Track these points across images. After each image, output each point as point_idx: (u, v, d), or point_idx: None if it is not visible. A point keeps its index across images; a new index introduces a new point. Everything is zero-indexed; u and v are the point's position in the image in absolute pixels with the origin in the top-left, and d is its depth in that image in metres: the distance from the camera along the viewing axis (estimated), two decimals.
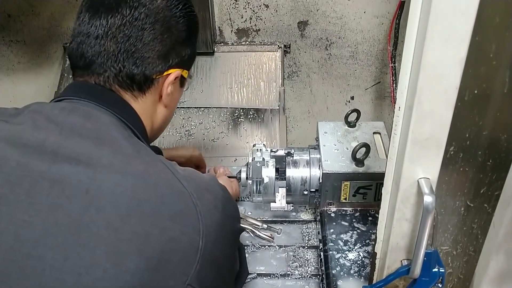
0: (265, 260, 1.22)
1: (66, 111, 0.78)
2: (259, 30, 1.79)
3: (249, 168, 1.18)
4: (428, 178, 0.68)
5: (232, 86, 1.74)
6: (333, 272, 1.03)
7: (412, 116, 0.64)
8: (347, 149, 1.17)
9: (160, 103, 0.90)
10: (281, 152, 1.20)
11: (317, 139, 1.24)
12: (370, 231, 1.12)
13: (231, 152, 1.65)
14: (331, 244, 1.09)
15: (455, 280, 0.84)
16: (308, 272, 1.18)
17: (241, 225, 0.89)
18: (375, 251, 0.81)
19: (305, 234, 1.28)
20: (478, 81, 0.65)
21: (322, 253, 1.12)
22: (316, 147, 1.21)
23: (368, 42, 1.76)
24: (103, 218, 0.67)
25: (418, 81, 0.61)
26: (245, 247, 1.24)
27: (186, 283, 0.70)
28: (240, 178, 1.23)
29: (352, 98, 1.90)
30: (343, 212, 1.17)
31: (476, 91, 0.65)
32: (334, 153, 1.16)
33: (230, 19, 1.77)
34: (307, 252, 1.23)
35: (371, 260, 0.99)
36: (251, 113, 1.71)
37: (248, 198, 1.30)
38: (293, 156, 1.19)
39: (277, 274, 1.18)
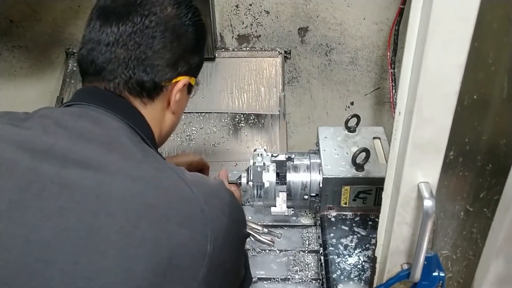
0: (265, 265, 1.22)
1: (76, 116, 0.79)
2: (259, 36, 1.80)
3: (250, 173, 1.19)
4: (428, 183, 0.68)
5: (233, 91, 1.74)
6: (334, 276, 1.04)
7: (412, 121, 0.65)
8: (347, 154, 1.18)
9: (168, 109, 0.91)
10: (281, 157, 1.20)
11: (317, 144, 1.24)
12: (370, 236, 1.13)
13: (231, 157, 1.65)
14: (332, 248, 1.10)
15: (455, 284, 0.85)
16: (309, 276, 1.19)
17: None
18: (375, 255, 0.82)
19: (305, 238, 1.29)
20: (477, 87, 0.66)
21: (322, 257, 1.12)
22: (316, 152, 1.22)
23: (368, 48, 1.77)
24: (113, 223, 0.68)
25: (418, 86, 0.62)
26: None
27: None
28: (240, 183, 1.24)
29: (352, 103, 1.91)
30: (343, 217, 1.18)
31: (475, 96, 0.66)
32: (334, 158, 1.17)
33: (231, 25, 1.78)
34: (307, 257, 1.24)
35: (371, 264, 1.00)
36: (251, 118, 1.71)
37: (248, 202, 1.31)
38: (293, 161, 1.20)
39: (278, 278, 1.19)
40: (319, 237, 1.21)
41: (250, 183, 1.18)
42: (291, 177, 1.18)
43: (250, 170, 1.19)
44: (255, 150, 1.22)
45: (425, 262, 0.72)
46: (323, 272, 1.10)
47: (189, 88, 0.94)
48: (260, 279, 1.19)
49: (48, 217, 0.67)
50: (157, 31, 0.84)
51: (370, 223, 1.16)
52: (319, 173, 1.16)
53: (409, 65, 0.64)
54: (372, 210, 1.17)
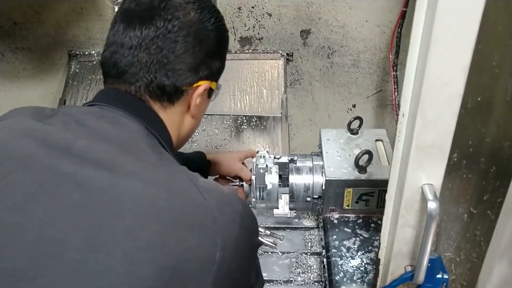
0: (268, 267, 1.22)
1: (96, 116, 0.80)
2: (262, 38, 1.80)
3: (253, 175, 1.19)
4: (432, 185, 0.69)
5: (235, 93, 1.75)
6: (336, 278, 1.04)
7: (416, 123, 0.65)
8: (350, 156, 1.18)
9: (188, 113, 0.91)
10: (284, 159, 1.21)
11: (319, 146, 1.24)
12: (373, 238, 1.12)
13: None
14: (334, 250, 1.10)
15: (458, 287, 0.85)
16: (311, 278, 1.19)
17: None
18: (378, 257, 0.82)
19: (307, 240, 1.29)
20: (481, 89, 0.66)
21: (325, 260, 1.12)
22: (319, 154, 1.22)
23: (370, 50, 1.78)
24: (122, 224, 0.68)
25: (422, 89, 0.62)
26: None
27: None
28: (242, 185, 1.24)
29: (354, 106, 1.91)
30: (346, 219, 1.18)
31: (479, 99, 0.66)
32: (337, 160, 1.17)
33: (233, 27, 1.78)
34: (309, 259, 1.24)
35: (374, 266, 1.00)
36: (253, 120, 1.72)
37: (251, 204, 1.31)
38: (296, 163, 1.20)
39: (280, 280, 1.19)
40: (321, 239, 1.21)
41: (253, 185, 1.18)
42: (293, 179, 1.18)
43: (253, 172, 1.19)
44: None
45: (429, 264, 0.72)
46: (326, 274, 1.10)
47: (209, 92, 0.94)
48: None
49: (61, 213, 0.68)
50: (179, 36, 0.85)
51: (372, 225, 1.16)
52: (322, 175, 1.16)
53: (413, 67, 0.64)
54: (374, 213, 1.17)
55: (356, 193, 1.14)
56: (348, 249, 1.11)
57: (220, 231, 0.73)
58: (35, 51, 1.85)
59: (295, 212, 1.22)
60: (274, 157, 1.21)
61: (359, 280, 1.03)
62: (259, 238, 1.25)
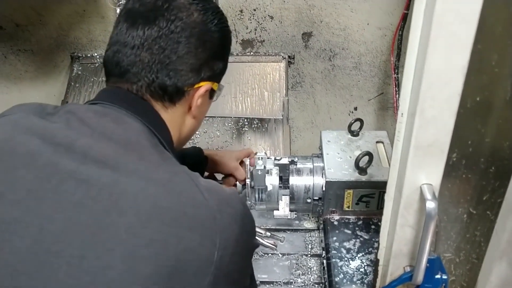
0: (268, 268, 1.22)
1: (99, 114, 0.81)
2: (263, 41, 1.81)
3: (251, 177, 1.19)
4: (431, 184, 0.69)
5: (237, 96, 1.75)
6: (336, 279, 1.04)
7: (415, 123, 0.65)
8: (350, 157, 1.18)
9: (189, 114, 0.92)
10: (284, 160, 1.21)
11: (320, 148, 1.25)
12: (373, 239, 1.12)
13: None
14: (334, 252, 1.10)
15: (458, 287, 0.84)
16: (311, 280, 1.19)
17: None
18: (377, 257, 0.81)
19: (308, 242, 1.29)
20: (480, 89, 0.66)
21: (325, 261, 1.12)
22: (320, 156, 1.22)
23: (371, 53, 1.78)
24: (124, 222, 0.69)
25: (421, 88, 0.62)
26: None
27: None
28: (236, 185, 1.23)
29: (355, 108, 1.91)
30: (346, 220, 1.18)
31: (478, 99, 0.66)
32: (337, 162, 1.17)
33: (235, 30, 1.79)
34: (310, 260, 1.24)
35: (373, 267, 1.00)
36: (255, 122, 1.72)
37: (252, 207, 1.31)
38: (296, 164, 1.20)
39: (280, 282, 1.19)
40: (321, 241, 1.21)
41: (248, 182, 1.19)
42: (294, 180, 1.18)
43: (247, 174, 1.19)
44: (256, 154, 1.23)
45: (428, 265, 0.72)
46: (326, 276, 1.10)
47: (211, 93, 0.94)
48: (262, 282, 1.19)
49: (63, 210, 0.69)
50: (182, 37, 0.85)
51: (373, 227, 1.16)
52: (322, 176, 1.16)
53: (411, 66, 0.64)
54: (375, 214, 1.17)
55: (357, 194, 1.14)
56: (348, 250, 1.10)
57: (219, 231, 0.73)
58: (37, 53, 1.85)
59: (295, 214, 1.23)
60: (275, 159, 1.21)
61: (359, 282, 1.03)
62: (258, 239, 1.25)
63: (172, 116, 0.88)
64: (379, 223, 0.81)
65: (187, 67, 0.86)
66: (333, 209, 1.18)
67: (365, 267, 1.06)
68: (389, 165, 0.79)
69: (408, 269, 0.77)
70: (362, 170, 1.13)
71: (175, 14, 0.85)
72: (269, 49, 1.82)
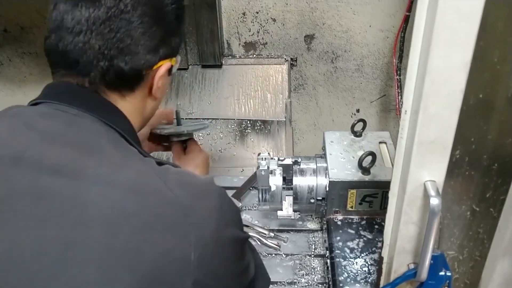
0: (271, 268, 1.23)
1: (47, 117, 0.74)
2: (266, 43, 1.81)
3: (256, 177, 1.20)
4: (434, 181, 0.69)
5: (239, 98, 1.76)
6: (340, 279, 1.04)
7: (418, 120, 0.65)
8: (353, 158, 1.18)
9: (150, 97, 0.86)
10: (288, 161, 1.21)
11: (323, 149, 1.25)
12: (377, 239, 1.13)
13: (238, 163, 1.67)
14: (338, 251, 1.10)
15: (462, 285, 0.85)
16: (315, 280, 1.19)
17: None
18: (381, 255, 0.82)
19: (311, 243, 1.29)
20: (482, 86, 0.66)
21: (328, 261, 1.12)
22: (323, 156, 1.22)
23: (374, 55, 1.78)
24: (92, 234, 0.64)
25: (424, 85, 0.63)
26: None
27: None
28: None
29: (358, 111, 1.91)
30: (350, 220, 1.18)
31: (481, 96, 0.67)
32: (340, 162, 1.18)
33: (238, 32, 1.79)
34: (313, 261, 1.24)
35: (378, 264, 1.00)
36: (258, 124, 1.73)
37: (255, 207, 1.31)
38: (299, 165, 1.20)
39: (284, 282, 1.19)
40: (325, 241, 1.21)
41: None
42: (297, 181, 1.19)
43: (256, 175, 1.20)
44: (259, 155, 1.23)
45: (432, 261, 0.72)
46: (330, 275, 1.10)
47: (169, 69, 0.87)
48: None
49: (26, 231, 0.63)
50: (134, 16, 0.77)
51: (376, 226, 1.16)
52: (326, 176, 1.16)
53: (415, 63, 0.65)
54: (378, 214, 1.17)
55: (360, 194, 1.14)
56: (352, 250, 1.11)
57: (193, 229, 0.68)
58: (41, 56, 1.85)
59: (299, 214, 1.23)
60: (278, 159, 1.22)
61: (363, 281, 1.03)
62: (264, 240, 1.26)
63: (132, 104, 0.82)
64: (383, 223, 0.82)
65: (144, 49, 0.79)
66: (337, 209, 1.18)
67: (369, 266, 1.06)
68: (392, 165, 0.80)
69: (412, 266, 0.77)
70: (365, 170, 1.13)
71: None
72: (271, 52, 1.83)
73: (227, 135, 1.71)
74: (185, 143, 1.19)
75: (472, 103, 0.67)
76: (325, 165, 1.18)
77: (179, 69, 1.73)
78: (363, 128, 1.26)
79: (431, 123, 0.65)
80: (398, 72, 1.66)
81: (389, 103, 1.87)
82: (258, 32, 1.79)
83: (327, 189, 1.15)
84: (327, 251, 1.15)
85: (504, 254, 0.74)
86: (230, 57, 1.83)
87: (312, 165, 1.20)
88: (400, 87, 1.66)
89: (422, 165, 0.69)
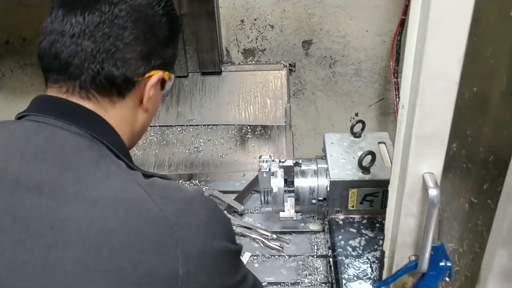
0: (275, 270, 1.24)
1: (30, 132, 0.72)
2: (264, 50, 1.84)
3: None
4: (433, 173, 0.71)
5: (239, 104, 1.78)
6: (343, 277, 1.05)
7: (415, 114, 0.68)
8: (353, 158, 1.20)
9: (141, 107, 0.84)
10: (289, 163, 1.23)
11: (323, 150, 1.27)
12: (378, 237, 1.14)
13: (239, 168, 1.68)
14: (340, 250, 1.12)
15: (462, 278, 0.86)
16: (318, 280, 1.20)
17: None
18: (383, 249, 0.84)
19: (313, 244, 1.31)
20: (477, 80, 0.69)
21: (331, 259, 1.14)
22: (323, 158, 1.24)
23: (371, 60, 1.81)
24: (71, 256, 0.62)
25: (419, 81, 0.65)
26: (255, 257, 1.27)
27: None
28: None
29: (357, 114, 1.94)
30: (351, 220, 1.20)
31: (475, 90, 0.69)
32: (340, 162, 1.20)
33: (236, 39, 1.82)
34: (316, 261, 1.25)
35: (379, 259, 1.01)
36: (258, 129, 1.75)
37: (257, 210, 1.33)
38: (300, 166, 1.22)
39: (287, 282, 1.21)
40: (327, 241, 1.23)
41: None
42: (298, 182, 1.20)
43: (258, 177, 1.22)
44: (260, 157, 1.25)
45: (432, 252, 0.74)
46: (333, 274, 1.12)
47: (162, 83, 0.87)
48: (270, 283, 1.20)
49: (2, 254, 0.62)
50: (128, 21, 0.77)
51: (377, 225, 1.18)
52: (326, 177, 1.18)
53: (410, 59, 0.67)
54: (379, 213, 1.19)
55: (360, 194, 1.16)
56: (354, 248, 1.12)
57: (180, 244, 0.67)
58: None
59: (300, 215, 1.25)
60: (279, 161, 1.24)
61: (365, 278, 1.05)
62: (267, 242, 1.27)
63: (121, 112, 0.81)
64: (383, 222, 0.83)
65: (136, 55, 0.79)
66: (338, 209, 1.20)
67: (371, 264, 1.08)
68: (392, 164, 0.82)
69: (413, 258, 0.78)
70: (365, 170, 1.15)
71: None
72: (270, 58, 1.85)
73: (228, 140, 1.73)
74: None
75: (467, 97, 0.69)
76: (325, 166, 1.20)
77: (179, 76, 1.78)
78: (362, 129, 1.28)
79: (428, 117, 0.67)
80: (396, 75, 1.69)
81: (387, 107, 1.90)
82: (256, 39, 1.82)
83: (328, 189, 1.17)
84: (330, 250, 1.17)
85: (503, 245, 0.76)
86: (229, 64, 1.85)
87: (313, 166, 1.22)
88: (398, 90, 1.69)
89: (420, 158, 0.71)
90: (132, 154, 0.87)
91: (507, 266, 0.77)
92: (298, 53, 1.83)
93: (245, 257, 1.26)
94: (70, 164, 0.70)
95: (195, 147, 1.71)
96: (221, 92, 1.80)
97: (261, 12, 1.76)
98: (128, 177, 0.72)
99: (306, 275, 1.22)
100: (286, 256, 1.27)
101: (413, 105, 0.68)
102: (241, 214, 1.41)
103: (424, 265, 0.74)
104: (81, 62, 0.75)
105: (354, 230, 1.17)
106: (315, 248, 1.29)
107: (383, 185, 1.14)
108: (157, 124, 1.74)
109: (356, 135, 1.27)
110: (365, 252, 1.11)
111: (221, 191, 1.45)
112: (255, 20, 1.78)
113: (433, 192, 0.68)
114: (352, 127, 1.27)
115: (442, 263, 0.76)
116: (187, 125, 1.75)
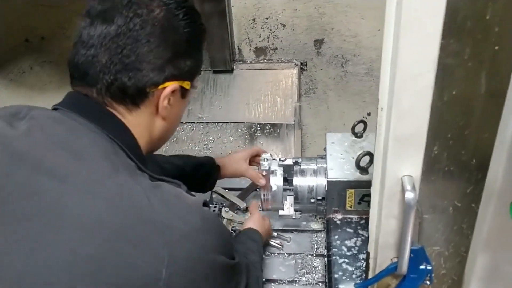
0: (274, 267, 1.25)
1: (57, 122, 0.79)
2: (276, 48, 1.85)
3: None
4: (412, 176, 0.71)
5: (250, 102, 1.80)
6: (336, 276, 1.06)
7: (392, 115, 0.67)
8: (353, 158, 1.20)
9: (157, 115, 0.86)
10: (289, 161, 1.24)
11: (325, 149, 1.27)
12: None
13: None
14: (335, 249, 1.12)
15: (449, 281, 0.85)
16: (315, 279, 1.21)
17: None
18: (368, 251, 0.84)
19: (314, 242, 1.31)
20: (455, 83, 0.68)
21: (326, 259, 1.14)
22: (324, 157, 1.24)
23: None
24: (62, 239, 0.67)
25: (395, 81, 0.65)
26: None
27: None
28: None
29: (369, 114, 1.93)
30: (349, 220, 1.20)
31: (454, 92, 0.68)
32: (339, 162, 1.19)
33: (248, 38, 1.84)
34: (315, 260, 1.26)
35: (365, 260, 1.01)
36: (267, 128, 1.76)
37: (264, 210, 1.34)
38: (300, 165, 1.23)
39: (285, 280, 1.21)
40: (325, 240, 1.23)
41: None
42: (297, 181, 1.21)
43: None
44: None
45: (412, 255, 0.74)
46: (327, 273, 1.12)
47: (184, 92, 0.89)
48: (267, 280, 1.21)
49: (7, 224, 0.69)
50: (142, 34, 0.80)
51: None
52: (325, 177, 1.18)
53: (387, 60, 0.67)
54: None
55: (358, 194, 1.16)
56: (350, 248, 1.12)
57: (167, 247, 0.70)
58: (61, 64, 1.94)
59: (300, 214, 1.25)
60: (279, 160, 1.25)
61: (359, 279, 1.05)
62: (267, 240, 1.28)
63: (137, 119, 0.84)
64: None
65: (148, 66, 0.81)
66: (336, 209, 1.20)
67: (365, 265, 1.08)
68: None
69: (395, 260, 0.78)
70: (363, 170, 1.15)
71: (134, 11, 0.81)
72: (282, 56, 1.86)
73: (237, 138, 1.75)
74: None
75: (446, 99, 0.68)
76: (325, 165, 1.20)
77: None
78: (364, 129, 1.27)
79: (404, 118, 0.67)
80: None
81: None
82: (268, 38, 1.83)
83: (326, 188, 1.17)
84: (325, 250, 1.17)
85: (484, 248, 0.75)
86: (241, 62, 1.87)
87: (313, 166, 1.22)
88: None
89: (399, 160, 0.70)
90: None
91: (489, 268, 0.77)
92: (310, 52, 1.84)
93: None
94: (83, 155, 0.75)
95: (204, 144, 1.74)
96: (231, 90, 1.82)
97: (273, 11, 1.77)
98: (133, 177, 0.76)
99: (304, 273, 1.23)
100: (286, 254, 1.28)
101: (390, 106, 0.68)
102: (244, 211, 1.42)
103: (404, 268, 0.74)
104: (96, 73, 0.80)
105: (351, 230, 1.17)
106: (315, 246, 1.30)
107: None
108: None
109: (357, 135, 1.27)
110: (360, 253, 1.11)
111: (225, 188, 1.47)
112: (267, 19, 1.79)
113: (409, 195, 0.68)
114: (353, 127, 1.27)
115: (422, 266, 0.76)
116: (197, 123, 1.77)
